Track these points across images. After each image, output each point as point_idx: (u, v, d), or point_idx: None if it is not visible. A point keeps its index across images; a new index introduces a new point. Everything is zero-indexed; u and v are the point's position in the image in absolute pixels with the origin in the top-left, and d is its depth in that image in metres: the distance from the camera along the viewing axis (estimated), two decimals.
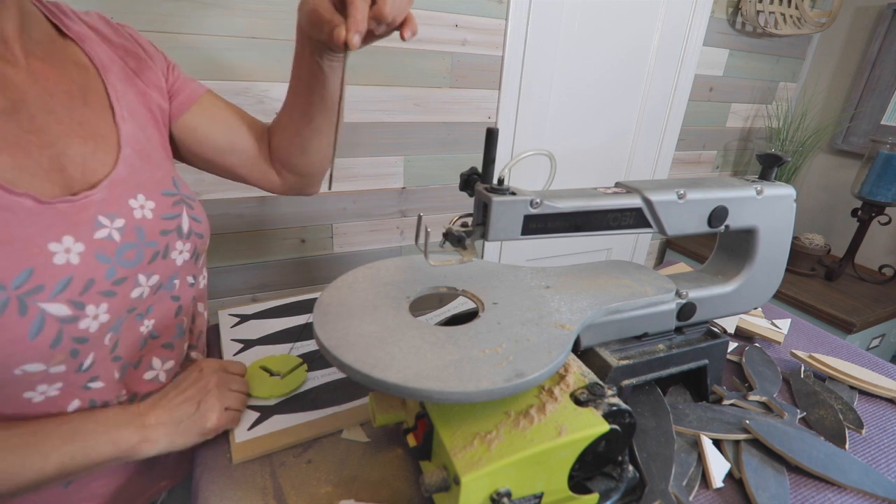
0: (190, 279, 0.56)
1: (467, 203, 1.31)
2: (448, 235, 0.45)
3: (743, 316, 0.78)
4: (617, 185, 0.51)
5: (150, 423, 0.45)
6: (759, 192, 0.53)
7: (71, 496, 0.48)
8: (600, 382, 0.42)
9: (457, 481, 0.34)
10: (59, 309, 0.39)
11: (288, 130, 0.59)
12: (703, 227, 0.52)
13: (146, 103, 0.52)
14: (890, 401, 0.64)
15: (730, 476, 0.49)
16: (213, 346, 0.68)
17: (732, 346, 0.73)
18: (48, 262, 0.39)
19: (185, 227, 0.52)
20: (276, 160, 0.63)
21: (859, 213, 1.44)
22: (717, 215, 0.52)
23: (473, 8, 1.13)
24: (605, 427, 0.38)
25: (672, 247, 1.83)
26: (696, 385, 0.60)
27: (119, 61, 0.50)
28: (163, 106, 0.55)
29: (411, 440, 0.44)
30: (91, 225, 0.42)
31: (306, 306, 0.77)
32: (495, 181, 0.44)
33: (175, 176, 0.53)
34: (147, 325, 0.50)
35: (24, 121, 0.40)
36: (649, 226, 0.49)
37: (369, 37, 0.44)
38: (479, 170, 0.45)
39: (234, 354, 0.64)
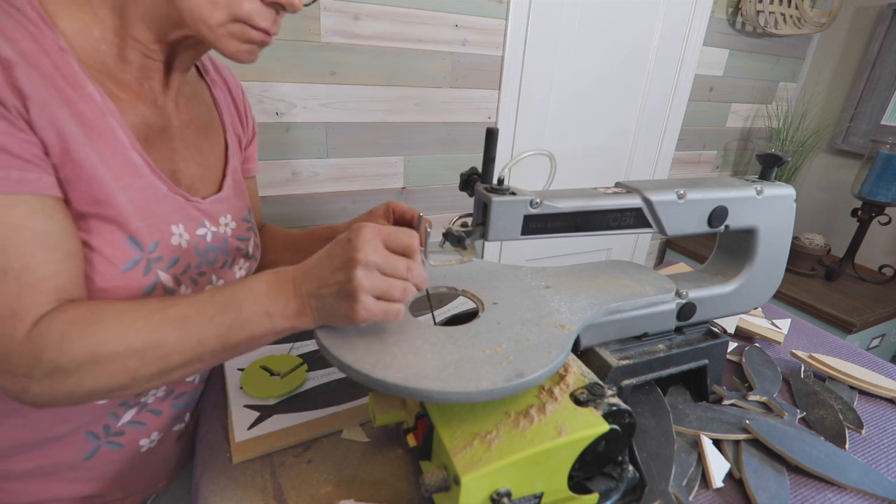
0: None
1: (467, 203, 1.31)
2: (448, 235, 0.45)
3: (743, 316, 0.78)
4: (617, 185, 0.51)
5: (302, 295, 0.39)
6: (759, 192, 0.53)
7: (81, 472, 0.49)
8: (600, 382, 0.42)
9: (457, 481, 0.34)
10: (168, 279, 0.46)
11: (284, 262, 0.64)
12: (703, 227, 0.52)
13: (238, 148, 0.62)
14: (890, 401, 0.64)
15: (730, 476, 0.49)
16: None
17: (732, 346, 0.73)
18: (168, 239, 0.46)
19: (251, 250, 0.59)
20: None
21: (859, 213, 1.44)
22: (717, 215, 0.52)
23: (473, 8, 1.13)
24: (604, 427, 0.38)
25: (672, 247, 1.83)
26: (696, 385, 0.60)
27: (231, 109, 0.61)
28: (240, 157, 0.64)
29: (411, 440, 0.44)
30: (196, 222, 0.50)
31: None
32: (495, 181, 0.44)
33: (250, 206, 0.62)
34: None
35: (167, 140, 0.49)
36: (649, 226, 0.49)
37: None
38: (479, 170, 0.45)
39: None
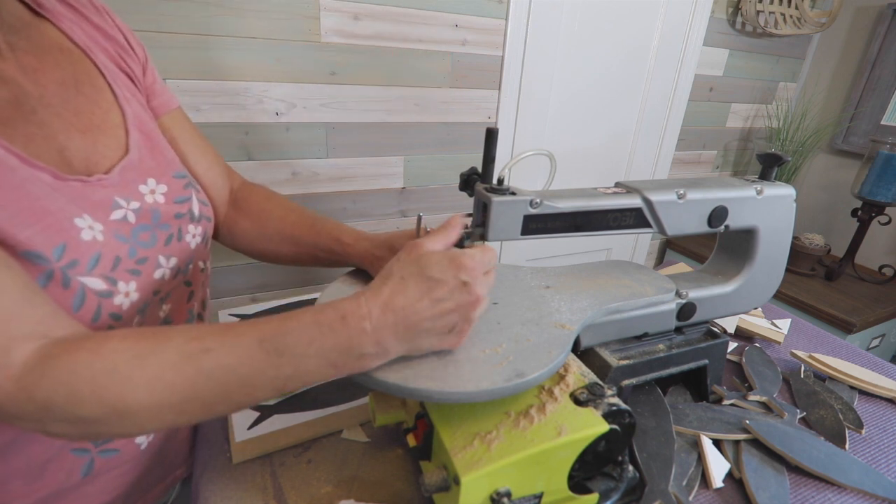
0: (201, 264, 0.55)
1: (467, 203, 1.31)
2: None
3: (743, 316, 0.78)
4: (617, 185, 0.51)
5: (382, 344, 0.35)
6: (759, 192, 0.53)
7: (85, 487, 0.47)
8: (600, 382, 0.42)
9: (457, 481, 0.34)
10: (97, 283, 0.40)
11: (280, 255, 0.60)
12: (703, 227, 0.52)
13: (134, 88, 0.50)
14: (890, 401, 0.64)
15: (730, 476, 0.49)
16: None
17: (732, 346, 0.73)
18: (77, 237, 0.39)
19: (196, 210, 0.51)
20: (240, 235, 0.61)
21: (859, 213, 1.44)
22: (717, 215, 0.52)
23: (473, 8, 1.13)
24: (604, 427, 0.38)
25: (672, 247, 1.83)
26: (696, 385, 0.60)
27: (100, 42, 0.47)
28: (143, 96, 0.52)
29: (411, 440, 0.44)
30: (107, 206, 0.42)
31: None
32: (495, 181, 0.44)
33: (177, 158, 0.52)
34: (164, 310, 0.49)
35: (28, 113, 0.39)
36: (649, 226, 0.49)
37: None
38: (479, 170, 0.45)
39: None
